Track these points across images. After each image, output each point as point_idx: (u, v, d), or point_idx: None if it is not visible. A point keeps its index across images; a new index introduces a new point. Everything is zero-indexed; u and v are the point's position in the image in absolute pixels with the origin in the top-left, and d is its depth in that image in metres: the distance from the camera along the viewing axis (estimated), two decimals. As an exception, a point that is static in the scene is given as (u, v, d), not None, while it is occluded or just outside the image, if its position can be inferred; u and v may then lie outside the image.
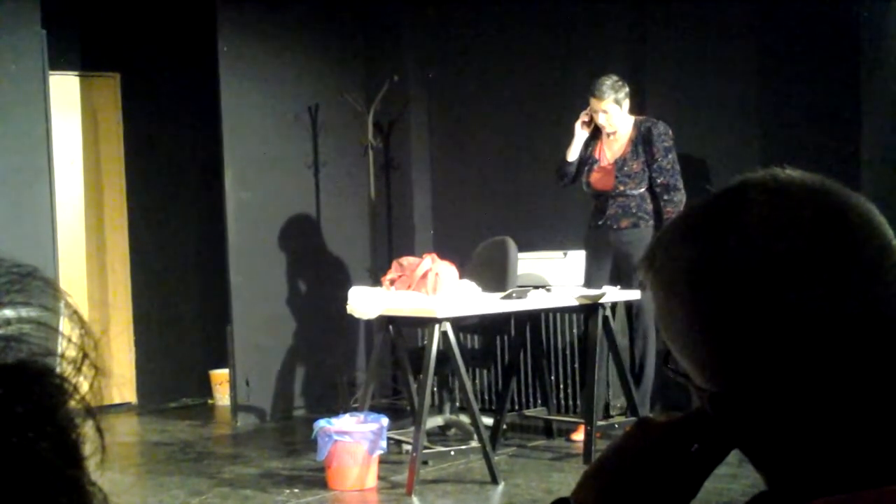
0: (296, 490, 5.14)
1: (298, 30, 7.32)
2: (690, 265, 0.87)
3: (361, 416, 5.18)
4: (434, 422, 5.75)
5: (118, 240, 7.69)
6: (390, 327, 5.48)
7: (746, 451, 0.90)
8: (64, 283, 5.75)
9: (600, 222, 5.89)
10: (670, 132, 5.78)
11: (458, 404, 6.08)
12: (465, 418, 5.62)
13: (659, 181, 5.75)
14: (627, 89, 5.81)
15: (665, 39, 6.36)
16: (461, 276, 5.69)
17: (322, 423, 5.07)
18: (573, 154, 5.97)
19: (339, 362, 7.14)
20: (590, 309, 5.49)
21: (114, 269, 7.68)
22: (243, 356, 6.95)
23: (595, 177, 5.94)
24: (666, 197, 5.73)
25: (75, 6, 7.33)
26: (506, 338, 6.38)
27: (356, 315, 5.44)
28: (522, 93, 6.96)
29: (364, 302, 5.35)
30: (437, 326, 5.06)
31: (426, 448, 5.19)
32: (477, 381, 6.70)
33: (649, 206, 5.79)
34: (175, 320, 7.86)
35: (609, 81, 5.78)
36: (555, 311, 6.23)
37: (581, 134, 5.96)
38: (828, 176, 0.88)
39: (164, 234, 7.83)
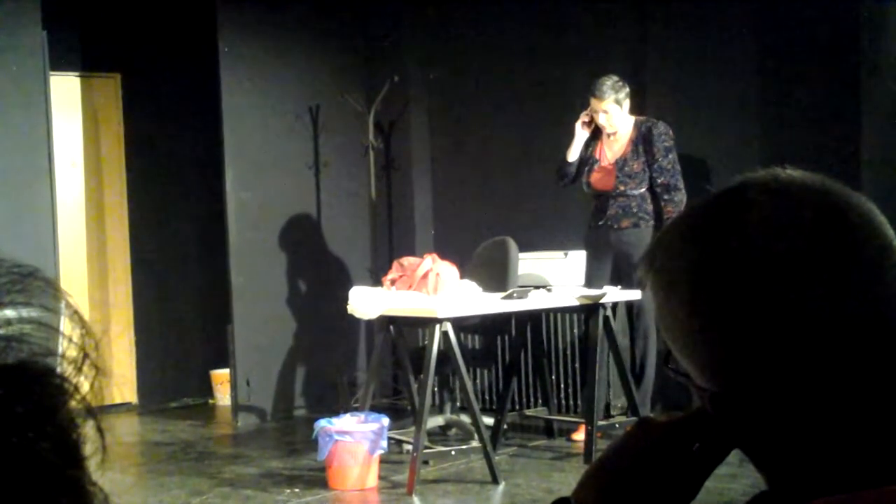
0: (296, 490, 5.14)
1: (299, 30, 7.31)
2: (691, 265, 0.87)
3: (362, 416, 5.18)
4: (435, 422, 5.75)
5: (119, 240, 7.68)
6: (391, 327, 5.48)
7: (747, 451, 0.90)
8: (64, 284, 5.74)
9: (601, 222, 5.89)
10: (671, 132, 5.78)
11: (458, 404, 6.07)
12: (465, 418, 5.63)
13: (659, 181, 5.75)
14: (628, 89, 5.81)
15: (665, 39, 6.36)
16: (462, 277, 5.69)
17: (323, 423, 5.07)
18: (573, 154, 5.97)
19: (340, 362, 7.14)
20: (590, 309, 5.49)
21: (114, 269, 7.67)
22: (244, 356, 6.95)
23: (595, 177, 5.94)
24: (666, 197, 5.73)
25: (76, 7, 7.33)
26: (506, 338, 6.38)
27: (357, 315, 5.44)
28: (522, 93, 6.96)
29: (365, 302, 5.35)
30: (437, 326, 5.06)
31: (427, 448, 5.19)
32: (478, 380, 6.71)
33: (650, 207, 5.79)
34: (175, 320, 7.86)
35: (609, 81, 5.77)
36: (555, 311, 6.23)
37: (581, 134, 5.96)
38: (828, 176, 0.88)
39: (165, 234, 7.82)
